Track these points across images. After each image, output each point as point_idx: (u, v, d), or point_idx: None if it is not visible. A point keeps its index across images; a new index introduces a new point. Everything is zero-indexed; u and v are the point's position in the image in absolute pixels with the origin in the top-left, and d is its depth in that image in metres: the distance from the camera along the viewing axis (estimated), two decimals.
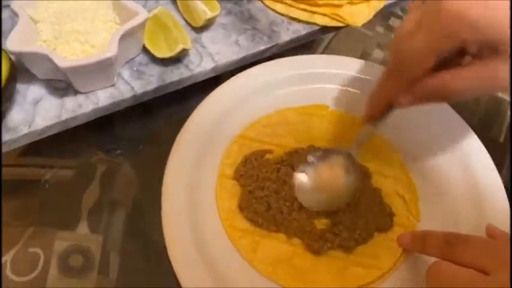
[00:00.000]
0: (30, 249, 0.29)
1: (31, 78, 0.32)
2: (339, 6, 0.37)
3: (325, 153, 0.31)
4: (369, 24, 0.39)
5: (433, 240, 0.25)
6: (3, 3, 0.34)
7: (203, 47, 0.36)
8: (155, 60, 0.34)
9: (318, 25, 0.37)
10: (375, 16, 0.38)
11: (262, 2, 0.38)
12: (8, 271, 0.28)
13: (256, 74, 0.35)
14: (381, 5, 0.39)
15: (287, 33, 0.37)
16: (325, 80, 0.35)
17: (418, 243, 0.27)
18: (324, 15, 0.37)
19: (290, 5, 0.37)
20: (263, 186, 0.30)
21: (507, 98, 0.40)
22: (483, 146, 0.32)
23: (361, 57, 0.40)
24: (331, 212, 0.29)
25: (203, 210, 0.29)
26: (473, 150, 0.32)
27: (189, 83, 0.35)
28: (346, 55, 0.37)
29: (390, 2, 0.40)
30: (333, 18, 0.37)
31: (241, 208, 0.29)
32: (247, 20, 0.37)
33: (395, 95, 0.27)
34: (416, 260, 0.28)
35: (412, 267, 0.28)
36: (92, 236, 0.30)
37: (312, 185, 0.30)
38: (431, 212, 0.30)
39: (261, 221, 0.29)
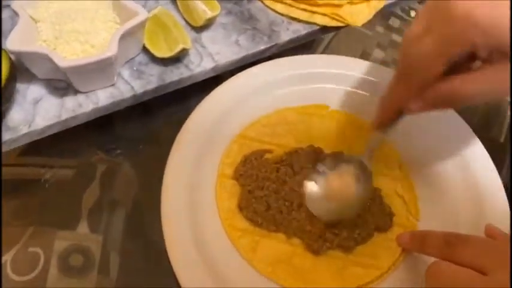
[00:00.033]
0: (31, 249, 0.29)
1: (31, 77, 0.32)
2: (339, 6, 0.37)
3: (336, 161, 0.30)
4: (369, 24, 0.39)
5: (433, 240, 0.25)
6: (4, 3, 0.34)
7: (203, 46, 0.36)
8: (155, 60, 0.34)
9: (318, 25, 0.37)
10: (374, 16, 0.38)
11: (262, 2, 0.38)
12: (8, 270, 0.28)
13: (256, 73, 0.35)
14: (381, 4, 0.39)
15: (287, 33, 0.37)
16: (325, 79, 0.35)
17: (418, 243, 0.27)
18: (324, 15, 0.37)
19: (290, 5, 0.37)
20: (263, 186, 0.30)
21: (507, 98, 0.40)
22: (483, 146, 0.32)
23: (361, 57, 0.40)
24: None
25: (203, 210, 0.29)
26: (473, 150, 0.32)
27: (189, 82, 0.35)
28: (346, 55, 0.37)
29: (390, 1, 0.40)
30: (333, 18, 0.37)
31: (240, 208, 0.30)
32: (247, 20, 0.37)
33: (405, 101, 0.26)
34: (416, 259, 0.28)
35: (411, 267, 0.28)
36: (92, 236, 0.30)
37: (322, 194, 0.29)
38: (431, 212, 0.30)
39: (260, 221, 0.29)
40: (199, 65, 0.34)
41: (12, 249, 0.29)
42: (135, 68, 0.34)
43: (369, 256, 0.28)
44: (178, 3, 0.37)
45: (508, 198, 0.30)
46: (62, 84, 0.32)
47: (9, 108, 0.31)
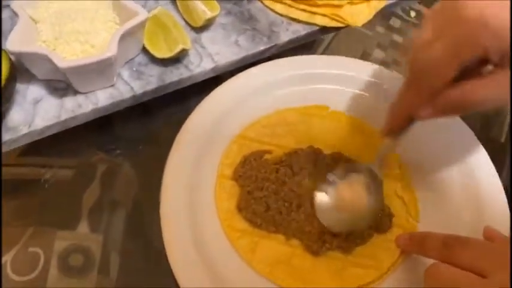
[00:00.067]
0: (31, 249, 0.29)
1: (31, 78, 0.32)
2: (339, 6, 0.37)
3: (346, 170, 0.30)
4: (369, 24, 0.39)
5: (432, 242, 0.25)
6: (3, 3, 0.34)
7: (203, 47, 0.36)
8: (155, 60, 0.34)
9: (317, 25, 0.37)
10: (375, 16, 0.38)
11: (262, 2, 0.38)
12: (8, 271, 0.28)
13: (256, 74, 0.35)
14: (381, 5, 0.39)
15: (287, 34, 0.37)
16: (326, 80, 0.35)
17: (417, 245, 0.27)
18: (324, 15, 0.37)
19: (290, 6, 0.37)
20: (262, 187, 0.30)
21: None
22: (483, 149, 0.32)
23: (361, 58, 0.40)
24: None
25: (202, 211, 0.29)
26: (474, 152, 0.32)
27: (188, 83, 0.35)
28: (347, 55, 0.37)
29: (391, 2, 0.40)
30: (333, 19, 0.37)
31: (240, 208, 0.30)
32: (247, 21, 0.37)
33: (415, 107, 0.25)
34: (415, 261, 0.28)
35: (410, 268, 0.28)
36: (92, 236, 0.30)
37: (333, 205, 0.29)
38: (431, 214, 0.30)
39: (259, 222, 0.29)
40: (199, 66, 0.34)
41: (13, 249, 0.29)
42: (134, 69, 0.34)
43: (368, 257, 0.28)
44: (178, 3, 0.37)
45: (508, 200, 0.30)
46: (61, 84, 0.32)
47: (9, 109, 0.31)
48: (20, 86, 0.32)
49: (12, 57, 0.30)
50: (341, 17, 0.37)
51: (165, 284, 0.28)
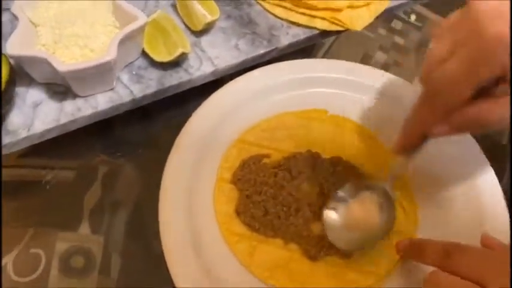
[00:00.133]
0: (32, 250, 0.29)
1: (30, 81, 0.32)
2: (339, 10, 0.37)
3: (357, 188, 0.29)
4: (371, 26, 0.38)
5: (431, 249, 0.25)
6: (3, 3, 0.34)
7: (202, 51, 0.35)
8: (154, 64, 0.34)
9: (317, 29, 0.37)
10: (376, 18, 0.38)
11: (262, 6, 0.38)
12: (9, 272, 0.28)
13: (255, 78, 0.35)
14: (382, 8, 0.39)
15: (286, 37, 0.37)
16: (325, 84, 0.35)
17: (416, 251, 0.27)
18: (324, 19, 0.37)
19: (289, 9, 0.37)
20: (260, 191, 0.30)
21: None
22: (485, 157, 0.32)
23: (362, 60, 0.39)
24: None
25: (201, 214, 0.29)
26: (474, 159, 0.32)
27: (188, 87, 0.35)
28: (348, 57, 0.37)
29: (392, 5, 0.40)
30: (333, 22, 0.37)
31: (238, 213, 0.30)
32: (246, 24, 0.37)
33: (430, 124, 0.25)
34: (414, 267, 0.28)
35: (409, 275, 0.28)
36: (93, 237, 0.30)
37: (343, 223, 0.28)
38: (430, 220, 0.30)
39: (258, 226, 0.29)
40: (198, 69, 0.34)
41: (14, 250, 0.29)
42: (134, 72, 0.34)
43: (367, 262, 0.28)
44: (178, 7, 0.37)
45: (508, 206, 0.29)
46: (61, 88, 0.33)
47: (9, 112, 0.31)
48: (19, 90, 0.32)
49: (12, 61, 0.31)
50: (340, 21, 0.37)
51: (166, 286, 0.28)
